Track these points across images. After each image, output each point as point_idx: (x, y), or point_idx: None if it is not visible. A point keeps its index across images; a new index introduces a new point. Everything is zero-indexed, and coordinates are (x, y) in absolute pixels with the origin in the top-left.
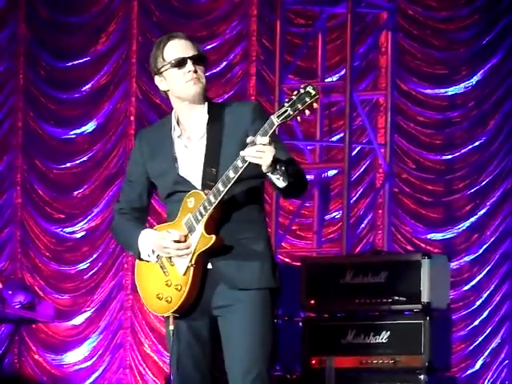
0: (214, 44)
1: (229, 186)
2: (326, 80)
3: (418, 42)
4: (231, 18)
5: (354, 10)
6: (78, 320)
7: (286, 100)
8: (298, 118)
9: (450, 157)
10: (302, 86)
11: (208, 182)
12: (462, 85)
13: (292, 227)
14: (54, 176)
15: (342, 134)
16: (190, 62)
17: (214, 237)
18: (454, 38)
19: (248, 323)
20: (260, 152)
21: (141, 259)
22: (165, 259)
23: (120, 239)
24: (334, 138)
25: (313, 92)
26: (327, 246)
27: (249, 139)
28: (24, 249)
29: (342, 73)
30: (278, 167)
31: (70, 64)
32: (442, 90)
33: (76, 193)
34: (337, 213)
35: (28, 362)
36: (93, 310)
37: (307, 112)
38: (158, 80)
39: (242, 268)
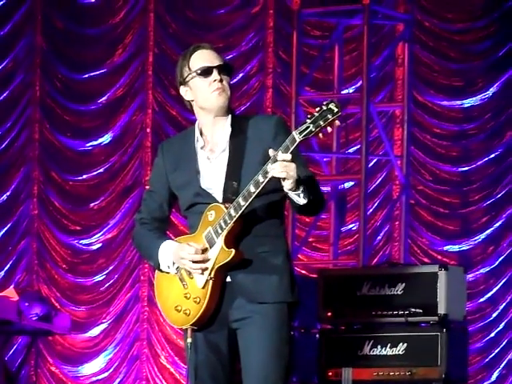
0: (231, 56)
1: (250, 200)
2: (342, 92)
3: (434, 54)
4: (248, 29)
5: (371, 21)
6: (95, 332)
7: (308, 116)
8: (320, 134)
9: (466, 169)
10: (324, 103)
11: (229, 195)
12: (479, 97)
13: (308, 239)
14: (70, 188)
15: (358, 146)
16: (215, 72)
17: (233, 251)
18: (471, 49)
19: (265, 336)
20: (284, 167)
21: (161, 270)
22: (184, 271)
23: (140, 249)
24: (351, 150)
25: (335, 109)
26: (344, 258)
27: (271, 154)
28: (40, 261)
29: (359, 84)
30: (299, 184)
31: (86, 76)
32: (459, 102)
33: (92, 204)
34: (353, 225)
35: (44, 374)
36: (109, 321)
37: (329, 129)
38: (183, 90)
39: (260, 282)
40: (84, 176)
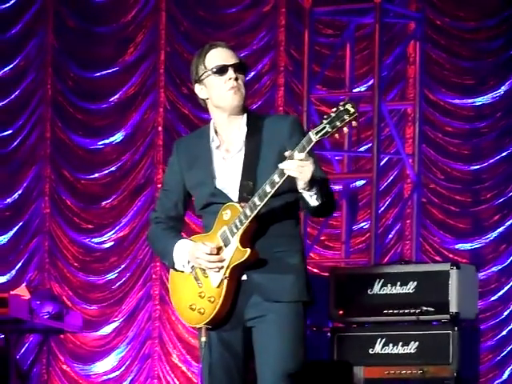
0: (242, 54)
1: (265, 200)
2: (354, 90)
3: (445, 52)
4: (259, 28)
5: (382, 20)
6: (106, 330)
7: (325, 116)
8: (336, 135)
9: (477, 167)
10: (340, 103)
11: (245, 195)
12: (490, 95)
13: (320, 237)
14: (82, 186)
15: (370, 144)
16: (231, 70)
17: (248, 250)
18: (482, 48)
19: (281, 334)
20: (300, 167)
21: (175, 269)
22: (199, 270)
23: (155, 248)
24: (362, 148)
25: (351, 110)
26: (355, 257)
27: (287, 153)
28: (52, 259)
29: (370, 83)
30: (314, 185)
31: (98, 74)
32: (470, 100)
33: (104, 203)
34: (365, 223)
35: (56, 373)
36: (121, 320)
37: (345, 130)
38: (198, 88)
39: (276, 281)
40: (96, 174)
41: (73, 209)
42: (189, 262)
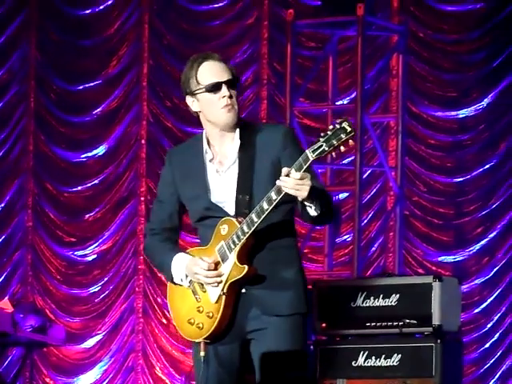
0: None
1: (263, 217)
2: (336, 103)
3: (428, 65)
4: (242, 41)
5: (365, 32)
6: (90, 343)
7: (322, 134)
8: (333, 153)
9: (460, 179)
10: (338, 121)
11: (242, 209)
12: (473, 107)
13: (303, 250)
14: (65, 199)
15: (352, 157)
16: (224, 87)
17: (246, 267)
18: (465, 60)
19: (282, 345)
20: (298, 185)
21: (174, 283)
22: (197, 285)
23: (153, 261)
24: (345, 161)
25: (348, 129)
26: (338, 269)
27: (284, 170)
28: (35, 272)
29: (353, 96)
30: (312, 197)
31: (81, 87)
32: (453, 113)
33: (87, 216)
34: (348, 236)
35: None
36: (104, 333)
37: (342, 148)
38: (189, 100)
39: (275, 295)
40: (79, 187)
41: (56, 222)
42: (187, 276)
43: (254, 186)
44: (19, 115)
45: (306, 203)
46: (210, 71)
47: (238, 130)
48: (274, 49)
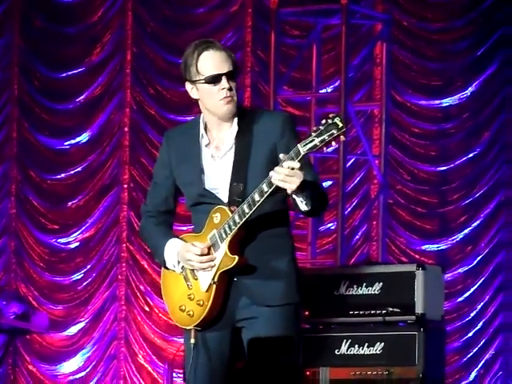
0: None
1: (254, 208)
2: (320, 91)
3: (412, 53)
4: (226, 28)
5: (349, 21)
6: (72, 330)
7: (314, 129)
8: (324, 148)
9: (444, 168)
10: (330, 115)
11: (235, 197)
12: (457, 96)
13: None
14: (48, 186)
15: (336, 146)
16: (224, 79)
17: (236, 258)
18: (449, 49)
19: (272, 333)
20: (288, 177)
21: (166, 268)
22: (189, 271)
23: (147, 245)
24: (329, 149)
25: (340, 124)
26: (322, 258)
27: (280, 157)
28: (18, 259)
29: (337, 84)
30: (304, 191)
31: (64, 75)
32: (437, 101)
33: (70, 203)
34: (331, 224)
35: (22, 373)
36: (87, 320)
37: (333, 144)
38: (188, 87)
39: (266, 286)
40: (62, 175)
41: (39, 209)
42: (179, 262)
43: (249, 174)
44: (3, 102)
45: (294, 196)
46: (211, 62)
47: (236, 117)
48: (258, 37)
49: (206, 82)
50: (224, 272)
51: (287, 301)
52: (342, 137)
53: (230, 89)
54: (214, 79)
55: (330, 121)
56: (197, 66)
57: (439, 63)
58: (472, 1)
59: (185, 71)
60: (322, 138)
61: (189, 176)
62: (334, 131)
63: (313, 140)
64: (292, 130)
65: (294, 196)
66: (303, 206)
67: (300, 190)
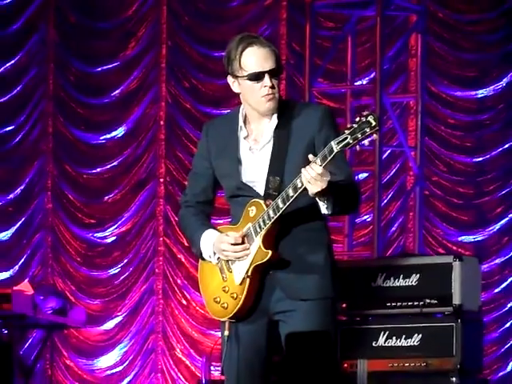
0: None
1: (288, 203)
2: (355, 83)
3: (447, 45)
4: (261, 21)
5: (384, 12)
6: (110, 325)
7: (348, 126)
8: (357, 146)
9: (480, 159)
10: (364, 113)
11: (271, 191)
12: (492, 87)
13: None
14: (84, 181)
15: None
16: (267, 77)
17: (270, 252)
18: (484, 40)
19: (309, 327)
20: (313, 179)
21: (203, 259)
22: (224, 263)
23: (185, 235)
24: (365, 141)
25: (373, 122)
26: (358, 249)
27: (310, 157)
28: (55, 254)
29: (372, 76)
30: (326, 196)
31: (99, 69)
32: (472, 93)
33: (106, 198)
34: (368, 216)
35: (60, 368)
36: (124, 314)
37: (366, 142)
38: (230, 80)
39: (301, 280)
40: (98, 169)
41: (75, 204)
42: (214, 253)
43: (287, 167)
44: (38, 98)
45: (317, 199)
46: (255, 58)
47: (276, 111)
48: (293, 29)
49: (248, 79)
50: (258, 266)
51: (322, 295)
52: (375, 135)
53: (273, 86)
54: (257, 76)
55: (363, 118)
56: (240, 61)
57: (474, 54)
58: None
59: (227, 65)
60: (355, 135)
61: (227, 168)
62: (367, 129)
63: (346, 138)
64: (331, 123)
65: (316, 198)
66: (324, 209)
67: (322, 194)
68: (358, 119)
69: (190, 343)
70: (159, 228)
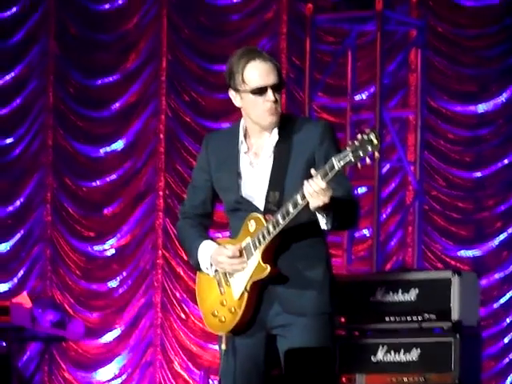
0: None
1: (288, 219)
2: (355, 98)
3: (447, 60)
4: (261, 35)
5: (384, 27)
6: (108, 338)
7: (349, 143)
8: (358, 164)
9: (479, 174)
10: (366, 131)
11: (271, 206)
12: (492, 102)
13: None
14: (83, 194)
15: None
16: (270, 92)
17: (268, 268)
18: (484, 55)
19: (307, 343)
20: (316, 193)
21: (200, 270)
22: (222, 276)
23: (183, 246)
24: (366, 160)
25: (375, 141)
26: (357, 264)
27: (312, 172)
28: (54, 267)
29: (372, 90)
30: (326, 211)
31: (99, 82)
32: (472, 108)
33: (106, 211)
34: (367, 230)
35: (58, 380)
36: (123, 327)
37: (367, 161)
38: (232, 94)
39: (299, 295)
40: (97, 182)
41: (74, 216)
42: (211, 265)
43: (287, 182)
44: (38, 110)
45: (317, 212)
46: (258, 72)
47: (277, 126)
48: (293, 43)
49: (251, 93)
50: (256, 280)
51: (320, 310)
52: (376, 153)
53: (276, 101)
54: (260, 90)
55: (365, 137)
56: (243, 75)
57: (474, 69)
58: (506, 7)
59: (229, 79)
60: (356, 153)
61: (226, 182)
62: (369, 148)
63: (347, 155)
64: (331, 138)
65: (316, 212)
66: (323, 224)
67: (323, 209)
68: (359, 137)
69: (188, 356)
70: (158, 241)
